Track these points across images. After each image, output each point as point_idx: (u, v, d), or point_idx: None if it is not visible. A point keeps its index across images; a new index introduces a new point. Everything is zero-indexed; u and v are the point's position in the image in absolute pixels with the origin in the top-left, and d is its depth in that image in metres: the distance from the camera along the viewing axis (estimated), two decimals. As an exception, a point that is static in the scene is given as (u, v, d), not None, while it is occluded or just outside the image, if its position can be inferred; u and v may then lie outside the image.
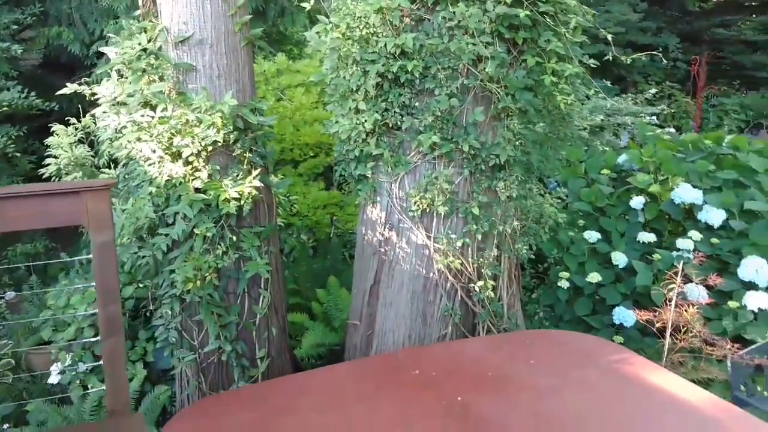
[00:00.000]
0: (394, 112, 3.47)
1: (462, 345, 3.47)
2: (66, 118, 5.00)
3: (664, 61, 10.56)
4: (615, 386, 2.90)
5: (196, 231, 3.41)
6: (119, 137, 3.56)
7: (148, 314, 4.48)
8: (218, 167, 3.47)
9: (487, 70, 3.31)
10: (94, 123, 4.87)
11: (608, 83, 11.57)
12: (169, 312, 3.66)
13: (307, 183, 5.93)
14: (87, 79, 4.93)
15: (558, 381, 2.94)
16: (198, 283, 3.42)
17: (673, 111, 13.13)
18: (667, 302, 3.81)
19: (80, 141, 4.98)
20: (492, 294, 3.74)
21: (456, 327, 3.78)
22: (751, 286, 4.32)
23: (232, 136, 3.42)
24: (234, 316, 3.62)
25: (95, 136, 4.86)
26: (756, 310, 4.21)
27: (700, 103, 13.28)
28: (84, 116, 4.93)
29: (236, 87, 3.56)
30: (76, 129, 4.97)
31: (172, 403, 4.14)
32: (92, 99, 3.89)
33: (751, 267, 4.31)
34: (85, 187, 2.60)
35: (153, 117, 3.34)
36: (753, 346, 3.92)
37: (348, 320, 4.20)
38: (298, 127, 5.65)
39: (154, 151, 3.37)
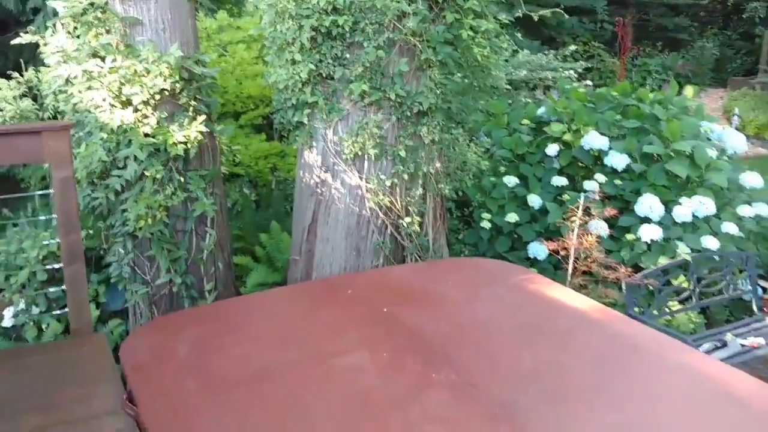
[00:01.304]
0: (328, 63, 3.83)
1: (390, 270, 3.92)
2: (8, 72, 5.14)
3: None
4: (520, 299, 3.40)
5: (146, 173, 3.72)
6: (66, 90, 3.80)
7: (98, 259, 4.75)
8: (165, 114, 3.76)
9: (410, 25, 3.69)
10: (38, 77, 5.05)
11: (539, 43, 12.10)
12: (122, 250, 3.97)
13: (248, 135, 6.22)
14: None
15: (471, 296, 3.42)
16: (149, 220, 3.74)
17: (599, 69, 13.80)
18: (571, 232, 4.33)
19: (23, 95, 5.13)
20: (418, 229, 4.18)
21: (387, 259, 4.21)
22: (646, 220, 4.90)
23: (178, 85, 3.71)
24: (183, 252, 3.96)
25: (38, 90, 5.03)
26: (649, 241, 4.79)
27: (624, 63, 13.98)
28: (26, 70, 5.08)
29: (180, 40, 3.83)
30: (19, 83, 5.11)
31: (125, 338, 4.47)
32: (37, 53, 4.09)
33: (646, 204, 4.88)
34: (46, 127, 2.88)
35: (103, 67, 3.60)
36: (645, 271, 4.50)
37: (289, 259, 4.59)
38: (241, 81, 5.92)
39: (104, 99, 3.63)
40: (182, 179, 3.84)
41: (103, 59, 3.65)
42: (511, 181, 5.43)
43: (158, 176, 3.73)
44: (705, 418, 2.38)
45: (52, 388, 2.71)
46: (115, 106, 3.65)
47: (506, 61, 6.69)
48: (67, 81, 3.80)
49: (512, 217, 5.25)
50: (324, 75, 3.89)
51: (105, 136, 3.68)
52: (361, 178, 4.04)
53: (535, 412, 2.39)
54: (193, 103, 3.83)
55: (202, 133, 3.76)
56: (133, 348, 2.90)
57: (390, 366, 2.76)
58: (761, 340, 4.50)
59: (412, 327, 3.04)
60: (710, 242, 4.90)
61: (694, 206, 4.98)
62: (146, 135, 3.68)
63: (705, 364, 2.81)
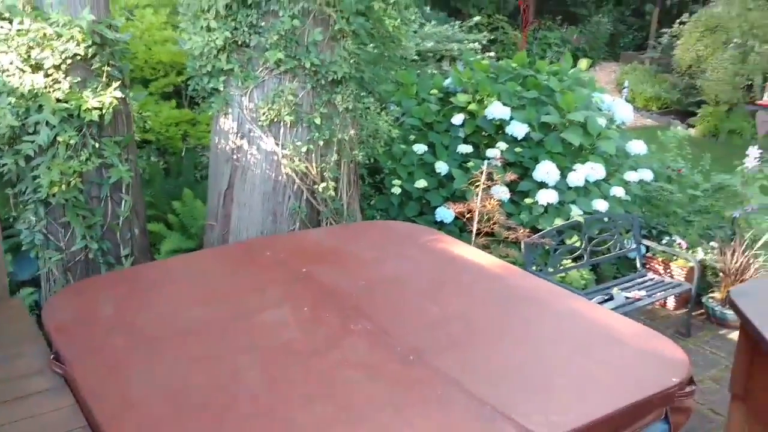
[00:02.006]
0: (243, 30, 3.90)
1: (306, 233, 4.09)
2: None
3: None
4: (428, 257, 3.66)
5: (59, 139, 3.68)
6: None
7: (5, 228, 4.65)
8: (78, 79, 3.73)
9: (324, -5, 3.82)
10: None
11: (445, 15, 12.38)
12: (33, 217, 3.93)
13: (158, 102, 6.15)
14: None
15: (382, 254, 3.65)
16: (63, 187, 3.73)
17: (503, 42, 14.28)
18: (475, 196, 4.64)
19: None
20: (333, 194, 4.36)
21: (303, 223, 4.37)
22: (543, 185, 5.28)
23: (90, 50, 3.69)
24: (99, 218, 3.96)
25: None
26: (546, 204, 5.18)
27: (525, 35, 14.52)
28: None
29: (91, 4, 3.79)
30: None
31: (37, 306, 4.42)
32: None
33: (543, 170, 5.26)
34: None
35: (11, 29, 3.53)
36: (542, 232, 4.88)
37: (204, 225, 4.67)
38: (150, 47, 5.83)
39: (11, 63, 3.56)
40: (97, 145, 3.83)
41: (10, 22, 3.57)
42: (420, 148, 5.68)
43: (72, 142, 3.71)
44: (591, 355, 2.72)
45: (-27, 351, 2.73)
46: (24, 71, 3.59)
47: (414, 32, 6.90)
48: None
49: (421, 183, 5.52)
50: (239, 42, 3.96)
51: (13, 100, 3.60)
52: (277, 144, 4.16)
53: (444, 355, 2.65)
54: (106, 68, 3.81)
55: (117, 98, 3.76)
56: (55, 309, 2.95)
57: (310, 320, 2.95)
58: (643, 293, 5.01)
59: (329, 285, 3.23)
60: (600, 205, 5.36)
61: (586, 172, 5.41)
62: (58, 100, 3.65)
63: (592, 311, 3.16)
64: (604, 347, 2.80)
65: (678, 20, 12.67)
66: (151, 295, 3.14)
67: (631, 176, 5.70)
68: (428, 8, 6.62)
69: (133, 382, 2.47)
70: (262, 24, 3.92)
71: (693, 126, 11.51)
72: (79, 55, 3.63)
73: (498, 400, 2.35)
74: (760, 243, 5.31)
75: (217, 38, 3.87)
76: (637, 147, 5.92)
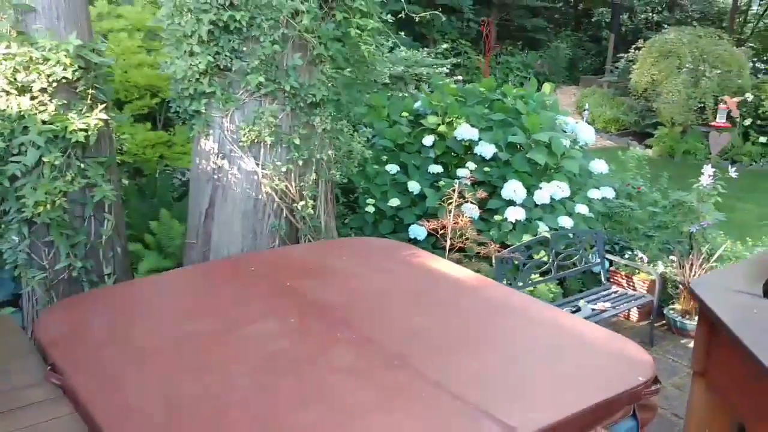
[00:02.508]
0: (225, 55, 4.05)
1: (288, 249, 4.22)
2: None
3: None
4: (407, 270, 3.82)
5: (44, 159, 3.77)
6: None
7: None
8: (64, 102, 3.82)
9: (303, 22, 4.00)
10: None
11: (411, 39, 12.69)
12: (15, 237, 3.98)
13: (133, 124, 6.23)
14: None
15: (363, 269, 3.80)
16: (48, 206, 3.80)
17: (466, 66, 14.65)
18: (448, 213, 4.83)
19: None
20: (312, 212, 4.50)
21: (282, 240, 4.50)
22: (511, 203, 5.51)
23: (76, 74, 3.79)
24: (83, 236, 4.03)
25: None
26: (514, 221, 5.40)
27: (488, 60, 14.93)
28: None
29: (76, 29, 3.90)
30: None
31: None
32: None
33: (511, 188, 5.49)
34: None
35: (-3, 53, 3.62)
36: (511, 247, 5.09)
37: (182, 244, 4.76)
38: (126, 70, 5.92)
39: (-2, 86, 3.65)
40: (81, 165, 3.92)
41: (-4, 46, 3.66)
42: (392, 168, 5.87)
43: (57, 163, 3.79)
44: (563, 358, 2.90)
45: (-33, 366, 2.78)
46: (11, 93, 3.67)
47: (385, 57, 7.12)
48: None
49: (394, 202, 5.70)
50: (221, 66, 4.11)
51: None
52: (257, 164, 4.30)
53: (427, 360, 2.80)
54: (91, 91, 3.92)
55: (102, 120, 3.86)
56: (47, 325, 3.02)
57: (297, 331, 3.08)
58: (608, 305, 5.24)
59: (313, 297, 3.37)
60: (565, 221, 5.60)
61: (551, 190, 5.66)
62: (44, 122, 3.74)
63: (563, 318, 3.35)
64: (575, 351, 2.99)
65: (633, 46, 13.20)
66: (140, 309, 3.24)
67: (594, 194, 5.97)
68: (399, 33, 6.85)
69: (130, 391, 2.56)
70: (244, 49, 4.07)
71: (650, 147, 11.97)
72: (66, 78, 3.73)
73: (480, 400, 2.51)
74: (715, 256, 5.60)
75: (199, 62, 4.01)
76: (599, 166, 6.20)
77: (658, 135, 11.82)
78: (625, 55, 13.39)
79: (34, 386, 2.67)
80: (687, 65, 11.38)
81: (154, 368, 2.72)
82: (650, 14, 17.30)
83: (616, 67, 14.79)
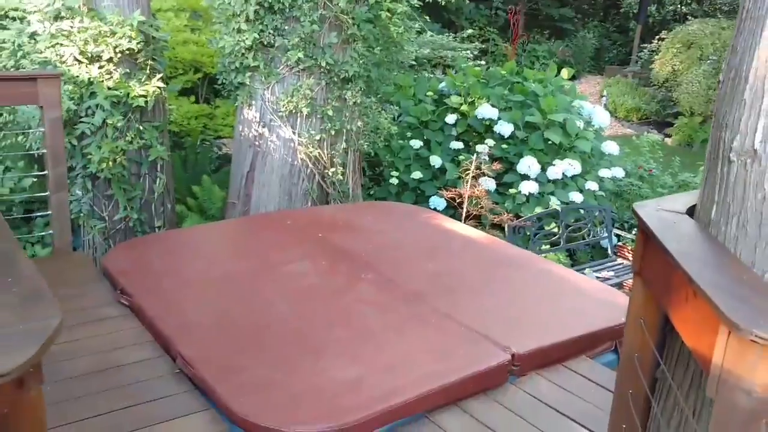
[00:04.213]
0: (269, 33, 4.52)
1: (320, 208, 4.71)
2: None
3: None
4: (425, 228, 4.28)
5: (108, 121, 4.28)
6: (24, 46, 4.26)
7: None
8: (127, 71, 4.33)
9: (339, 4, 4.45)
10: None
11: (439, 26, 13.06)
12: (79, 191, 4.51)
13: (177, 97, 6.75)
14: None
15: (387, 226, 4.27)
16: (110, 163, 4.32)
17: (493, 53, 14.98)
18: (465, 183, 5.27)
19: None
20: (341, 178, 4.97)
21: (314, 203, 4.98)
22: (525, 177, 5.92)
23: (138, 46, 4.29)
24: (139, 192, 4.55)
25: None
26: (528, 194, 5.82)
27: (515, 48, 15.23)
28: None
29: (138, 6, 4.40)
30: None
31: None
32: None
33: (525, 164, 5.90)
34: (41, 74, 3.44)
35: (72, 26, 4.13)
36: (524, 217, 5.52)
37: (225, 204, 5.26)
38: (173, 47, 6.42)
39: (71, 55, 4.16)
40: (140, 128, 4.43)
41: (63, 20, 4.16)
42: (416, 144, 6.31)
43: (119, 125, 4.30)
44: (558, 301, 3.34)
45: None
46: (82, 62, 4.19)
47: (412, 40, 7.54)
48: (32, 36, 4.29)
49: (417, 175, 6.14)
50: (265, 43, 4.58)
51: (71, 88, 4.20)
52: (294, 133, 4.77)
53: (439, 298, 3.26)
54: (150, 62, 4.42)
55: (159, 88, 4.36)
56: (116, 258, 3.54)
57: (327, 271, 3.56)
58: (612, 273, 5.64)
59: (342, 246, 3.84)
60: (576, 197, 6.00)
61: (564, 167, 6.05)
62: (109, 88, 4.25)
63: (562, 271, 3.79)
64: (569, 295, 3.43)
65: (657, 37, 13.42)
66: (193, 251, 3.74)
67: (604, 173, 6.35)
68: (427, 18, 7.24)
69: (187, 311, 3.06)
70: (286, 28, 4.54)
71: (669, 135, 12.22)
72: (131, 50, 4.23)
73: (482, 328, 2.96)
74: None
75: (246, 39, 4.49)
76: (610, 148, 6.58)
77: (677, 124, 12.07)
78: (649, 45, 13.62)
79: (107, 305, 3.19)
80: (709, 56, 11.61)
81: (207, 295, 3.22)
82: (678, 6, 17.42)
83: (640, 58, 15.01)
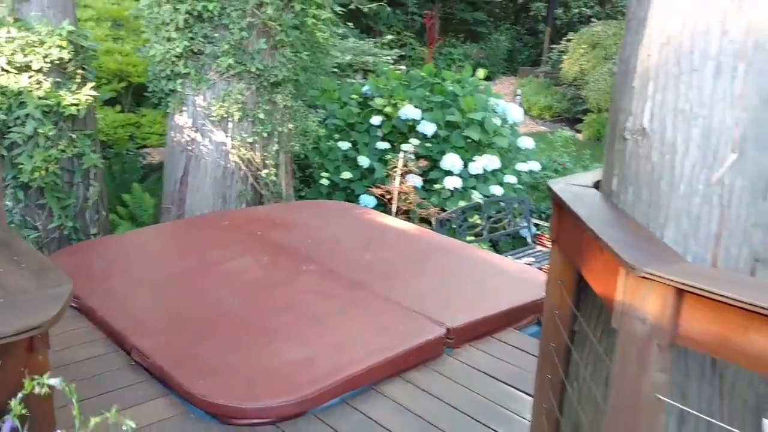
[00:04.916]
0: (199, 40, 4.64)
1: (256, 208, 4.86)
2: None
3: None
4: (359, 223, 4.51)
5: (39, 131, 4.30)
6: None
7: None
8: (57, 80, 4.36)
9: (267, 12, 4.62)
10: None
11: (358, 31, 13.34)
12: (9, 202, 4.49)
13: (101, 107, 6.72)
14: None
15: (323, 223, 4.47)
16: (43, 172, 4.34)
17: (411, 57, 15.38)
18: (393, 180, 5.53)
19: None
20: (274, 179, 5.14)
21: (248, 204, 5.12)
22: (449, 173, 6.24)
23: (68, 55, 4.33)
24: (73, 200, 4.58)
25: None
26: (452, 189, 6.14)
27: (431, 51, 15.70)
28: None
29: (65, 16, 4.43)
30: None
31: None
32: None
33: (449, 161, 6.22)
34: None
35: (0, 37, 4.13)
36: (449, 211, 5.83)
37: (157, 211, 5.33)
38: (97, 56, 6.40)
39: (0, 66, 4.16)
40: (72, 136, 4.46)
41: (-5, 30, 4.17)
42: (344, 145, 6.54)
43: (50, 134, 4.32)
44: (485, 281, 3.64)
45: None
46: (11, 72, 4.19)
47: (335, 45, 7.76)
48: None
49: (346, 175, 6.36)
50: (195, 51, 4.70)
51: (0, 98, 4.20)
52: (226, 137, 4.90)
53: (377, 283, 3.50)
54: (80, 71, 4.46)
55: (91, 96, 4.41)
56: (58, 263, 3.58)
57: (269, 265, 3.73)
58: (532, 260, 6.03)
59: (281, 242, 4.02)
60: (497, 190, 6.36)
61: (484, 163, 6.41)
62: (40, 98, 4.26)
63: (487, 255, 4.10)
64: (495, 276, 3.73)
65: (565, 38, 14.17)
66: (135, 253, 3.83)
67: (521, 167, 6.76)
68: (347, 24, 7.47)
69: (138, 309, 3.17)
70: (215, 35, 4.67)
71: (580, 131, 12.94)
72: (61, 59, 4.27)
73: (419, 307, 3.22)
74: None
75: (176, 47, 4.59)
76: (526, 143, 7.00)
77: (587, 120, 12.79)
78: (557, 46, 14.36)
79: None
80: (612, 56, 12.36)
81: (156, 293, 3.34)
82: (583, 8, 18.36)
83: (550, 59, 15.77)
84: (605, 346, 1.89)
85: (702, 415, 1.81)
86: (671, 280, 1.39)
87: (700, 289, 1.35)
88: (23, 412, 1.18)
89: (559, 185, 2.06)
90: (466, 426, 2.54)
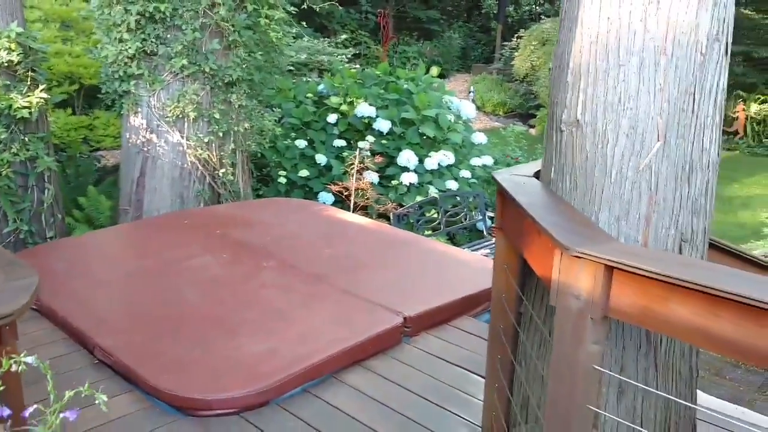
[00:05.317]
0: (151, 41, 4.66)
1: (215, 207, 4.90)
2: None
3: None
4: (319, 219, 4.59)
5: (-9, 134, 4.27)
6: None
7: None
8: (6, 83, 4.33)
9: (220, 12, 4.66)
10: None
11: (312, 30, 13.38)
12: (-38, 207, 4.45)
13: (53, 110, 6.64)
14: None
15: (282, 220, 4.54)
16: (-4, 176, 4.31)
17: (366, 56, 15.48)
18: (351, 177, 5.62)
19: None
20: (231, 178, 5.18)
21: (206, 204, 5.15)
22: (405, 169, 6.37)
23: (17, 57, 4.31)
24: (28, 203, 4.55)
25: None
26: (408, 185, 6.27)
27: (386, 50, 15.83)
28: None
29: (13, 18, 4.40)
30: None
31: None
32: None
33: (405, 157, 6.35)
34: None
35: (-54, 40, 4.09)
36: (406, 206, 5.95)
37: (113, 213, 5.31)
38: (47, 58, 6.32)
39: (-54, 69, 4.12)
40: (25, 139, 4.44)
41: (-57, 34, 4.12)
42: (301, 143, 6.60)
43: (2, 137, 4.30)
44: (443, 272, 3.76)
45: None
46: (-41, 76, 4.15)
47: (290, 45, 7.81)
48: None
49: (304, 173, 6.43)
50: (148, 51, 4.71)
51: (-52, 102, 4.16)
52: (182, 137, 4.93)
53: (338, 277, 3.59)
54: (30, 73, 4.44)
55: (43, 99, 4.39)
56: (16, 267, 3.58)
57: (230, 262, 3.79)
58: (488, 251, 6.19)
59: (241, 240, 4.08)
60: (452, 185, 6.51)
61: (439, 158, 6.56)
62: (-12, 101, 4.24)
63: (444, 248, 4.23)
64: (450, 266, 3.86)
65: (516, 35, 14.45)
66: (94, 254, 3.85)
67: (475, 161, 6.93)
68: (301, 24, 7.51)
69: (99, 308, 3.20)
70: (168, 36, 4.69)
71: (533, 126, 13.23)
72: (10, 61, 4.24)
73: (377, 298, 3.32)
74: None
75: (129, 48, 4.60)
76: (479, 138, 7.17)
77: (539, 116, 13.08)
78: (509, 44, 14.65)
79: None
80: (562, 52, 12.66)
81: (117, 292, 3.37)
82: (533, 5, 18.73)
83: (503, 55, 16.06)
84: (549, 326, 2.02)
85: (639, 384, 1.95)
86: (601, 258, 1.52)
87: (626, 265, 1.48)
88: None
89: (502, 175, 2.18)
90: (424, 409, 2.65)
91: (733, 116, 13.22)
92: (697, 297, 1.40)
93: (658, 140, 1.83)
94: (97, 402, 1.38)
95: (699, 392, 3.62)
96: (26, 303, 1.42)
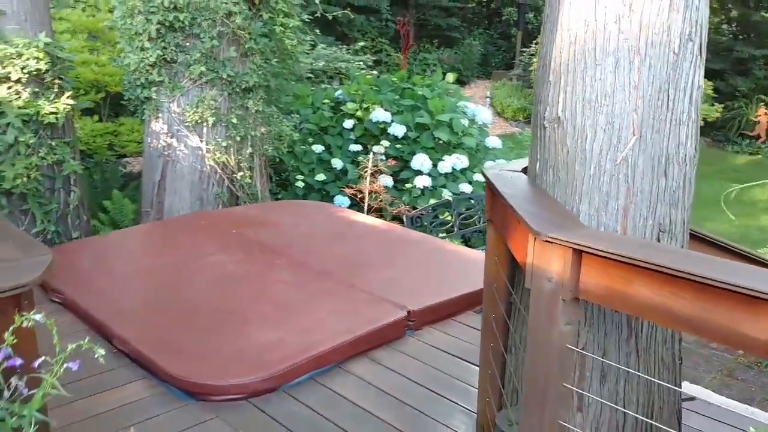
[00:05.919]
0: (171, 50, 4.86)
1: (232, 208, 5.07)
2: None
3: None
4: (332, 220, 4.73)
5: (20, 139, 4.49)
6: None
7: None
8: (35, 90, 4.55)
9: (236, 21, 4.85)
10: None
11: (333, 39, 13.60)
12: (-7, 208, 4.67)
13: (80, 117, 6.90)
14: None
15: (297, 220, 4.69)
16: (25, 179, 4.53)
17: (387, 63, 15.66)
18: (365, 179, 5.77)
19: None
20: (249, 181, 5.35)
21: (224, 206, 5.33)
22: (419, 173, 6.50)
23: (45, 66, 4.53)
24: (54, 205, 4.76)
25: None
26: (422, 188, 6.39)
27: (406, 57, 15.99)
28: None
29: (42, 29, 4.63)
30: None
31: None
32: None
33: (419, 161, 6.47)
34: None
35: (-20, 50, 4.32)
36: (420, 208, 6.07)
37: (137, 216, 5.52)
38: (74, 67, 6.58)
39: (-21, 78, 4.35)
40: (52, 144, 4.65)
41: (-25, 44, 4.35)
42: (318, 148, 6.77)
43: (31, 142, 4.52)
44: (448, 270, 3.88)
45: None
46: (-9, 83, 4.38)
47: (307, 53, 8.00)
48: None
49: (320, 177, 6.59)
50: (168, 59, 4.91)
51: (-20, 109, 4.39)
52: (201, 141, 5.12)
53: (346, 273, 3.72)
54: (57, 81, 4.65)
55: (69, 105, 4.61)
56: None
57: (244, 260, 3.95)
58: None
59: (256, 239, 4.24)
60: (466, 188, 6.62)
61: (453, 162, 6.67)
62: (19, 107, 4.46)
63: (451, 246, 4.34)
64: (457, 264, 3.98)
65: (535, 41, 14.50)
66: (116, 251, 4.04)
67: (489, 165, 7.02)
68: (318, 32, 7.70)
69: (119, 301, 3.37)
70: (187, 44, 4.89)
71: (552, 132, 13.27)
72: (38, 70, 4.46)
73: (384, 293, 3.45)
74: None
75: (150, 56, 4.80)
76: (494, 142, 7.27)
77: (558, 121, 13.13)
78: (528, 50, 14.72)
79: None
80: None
81: (136, 286, 3.55)
82: (554, 12, 18.77)
83: (522, 61, 16.12)
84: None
85: (622, 366, 2.05)
86: (570, 242, 1.64)
87: (593, 248, 1.60)
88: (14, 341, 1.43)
89: (492, 171, 2.30)
90: (425, 397, 2.77)
91: (755, 120, 13.14)
92: (657, 277, 1.51)
93: (634, 135, 1.94)
94: (96, 356, 1.54)
95: (710, 392, 3.69)
96: (41, 274, 1.61)
